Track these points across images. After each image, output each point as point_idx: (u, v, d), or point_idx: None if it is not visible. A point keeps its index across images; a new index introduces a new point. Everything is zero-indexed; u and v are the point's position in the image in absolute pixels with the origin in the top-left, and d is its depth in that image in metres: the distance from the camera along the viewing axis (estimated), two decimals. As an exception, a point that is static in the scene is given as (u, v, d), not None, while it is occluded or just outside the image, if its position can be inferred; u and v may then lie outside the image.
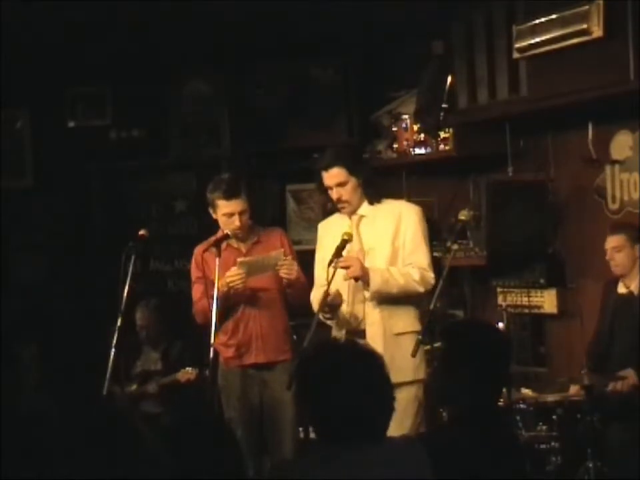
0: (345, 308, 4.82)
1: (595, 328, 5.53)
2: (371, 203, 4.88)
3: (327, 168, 4.85)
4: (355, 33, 6.57)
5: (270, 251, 5.08)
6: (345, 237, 4.71)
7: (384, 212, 4.87)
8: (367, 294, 4.76)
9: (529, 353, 6.15)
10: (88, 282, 7.19)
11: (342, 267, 4.66)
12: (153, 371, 6.44)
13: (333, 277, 4.63)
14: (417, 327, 4.76)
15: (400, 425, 4.43)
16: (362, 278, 4.69)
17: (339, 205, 4.88)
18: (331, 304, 4.73)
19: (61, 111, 7.37)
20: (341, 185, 4.82)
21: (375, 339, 4.70)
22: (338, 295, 4.76)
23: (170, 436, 2.60)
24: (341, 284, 4.80)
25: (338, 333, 4.85)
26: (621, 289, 5.42)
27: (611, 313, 5.42)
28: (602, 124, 5.71)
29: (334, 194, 4.85)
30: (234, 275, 4.91)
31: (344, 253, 4.70)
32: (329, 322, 4.87)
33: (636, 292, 5.33)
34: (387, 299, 4.75)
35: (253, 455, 5.04)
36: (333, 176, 4.83)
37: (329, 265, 4.65)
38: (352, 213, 4.89)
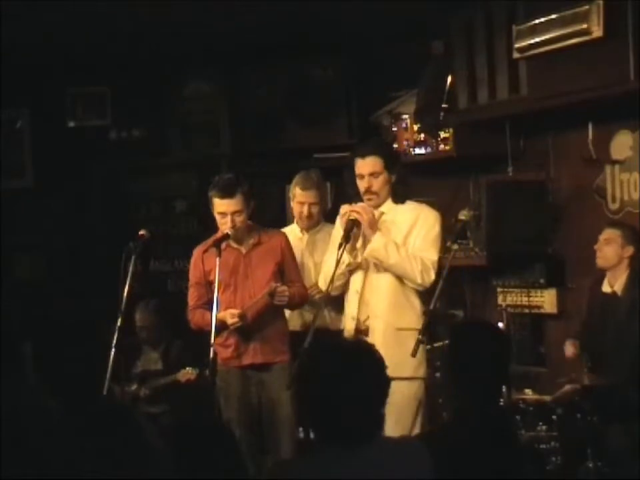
0: (355, 297, 4.84)
1: (581, 328, 5.55)
2: (395, 202, 4.87)
3: (364, 155, 4.82)
4: (355, 32, 6.57)
5: (269, 253, 5.13)
6: (353, 217, 4.71)
7: (404, 213, 4.87)
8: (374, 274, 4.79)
9: (528, 352, 6.15)
10: (88, 282, 7.18)
11: (354, 215, 4.69)
12: (152, 371, 6.43)
13: (341, 256, 4.64)
14: (420, 325, 4.76)
15: (397, 423, 4.44)
16: (366, 228, 4.69)
17: (366, 196, 4.84)
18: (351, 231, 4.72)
19: (61, 111, 7.38)
20: (373, 175, 4.80)
21: (375, 331, 4.74)
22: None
23: (170, 436, 2.60)
24: (355, 275, 4.85)
25: (346, 330, 4.86)
26: (605, 288, 5.42)
27: (598, 312, 5.43)
28: (602, 124, 5.71)
29: (364, 182, 4.81)
30: (233, 320, 5.00)
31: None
32: (346, 268, 4.83)
33: (619, 292, 5.34)
34: (395, 296, 4.78)
35: (252, 455, 5.04)
36: (368, 164, 4.80)
37: (339, 247, 4.65)
38: (376, 207, 4.86)
